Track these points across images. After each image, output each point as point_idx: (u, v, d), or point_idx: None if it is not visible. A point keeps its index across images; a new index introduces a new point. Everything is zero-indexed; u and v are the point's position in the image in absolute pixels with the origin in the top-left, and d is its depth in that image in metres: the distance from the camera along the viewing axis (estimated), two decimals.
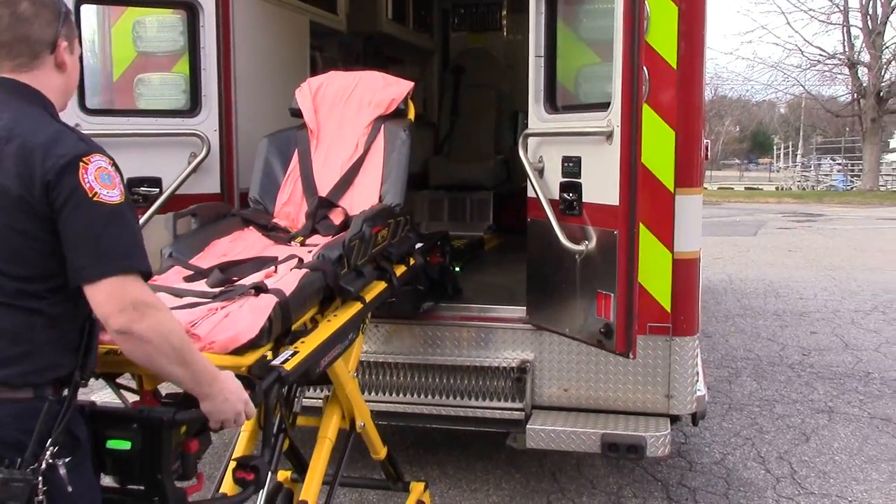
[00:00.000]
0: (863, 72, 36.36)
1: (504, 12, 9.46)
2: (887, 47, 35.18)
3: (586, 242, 4.00)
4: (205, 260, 3.58)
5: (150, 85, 4.98)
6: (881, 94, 35.53)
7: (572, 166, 4.10)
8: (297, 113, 4.62)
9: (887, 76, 35.74)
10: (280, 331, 3.02)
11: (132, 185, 4.68)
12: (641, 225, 3.99)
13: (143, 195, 4.67)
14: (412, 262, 4.29)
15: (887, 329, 9.25)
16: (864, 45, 36.14)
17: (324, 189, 4.29)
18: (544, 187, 4.24)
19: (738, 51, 69.61)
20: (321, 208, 4.13)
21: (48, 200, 2.10)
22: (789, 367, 7.69)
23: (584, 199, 4.04)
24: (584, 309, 4.07)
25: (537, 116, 4.38)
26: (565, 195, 4.13)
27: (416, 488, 4.22)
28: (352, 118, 4.50)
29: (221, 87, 4.86)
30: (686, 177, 4.26)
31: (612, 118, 3.77)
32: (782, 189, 41.71)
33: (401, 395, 4.66)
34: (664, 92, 4.15)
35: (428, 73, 9.37)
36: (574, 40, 4.42)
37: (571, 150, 4.11)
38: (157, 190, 4.68)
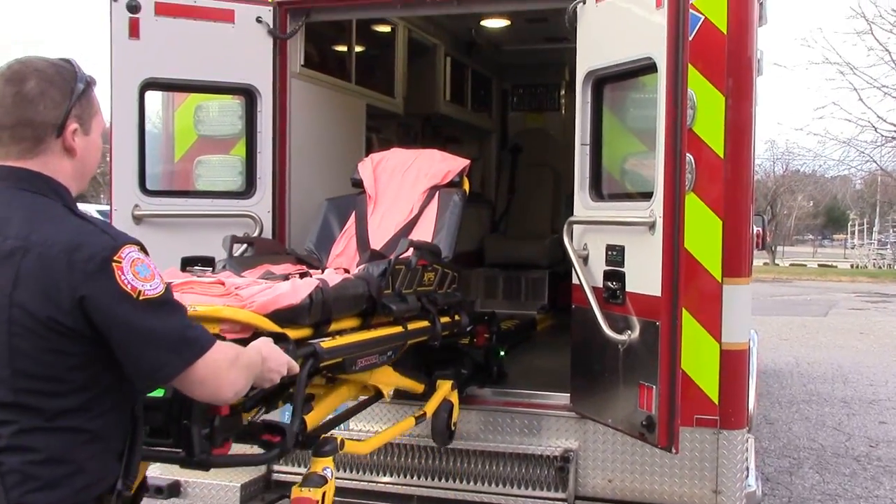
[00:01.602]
0: None
1: (562, 92, 9.55)
2: None
3: (629, 332, 3.95)
4: (254, 275, 3.77)
5: (208, 166, 5.17)
6: None
7: (616, 255, 4.08)
8: (358, 183, 4.85)
9: None
10: (320, 318, 3.12)
11: (186, 263, 4.80)
12: (688, 314, 3.94)
13: (196, 274, 4.80)
14: (457, 318, 4.36)
15: None
16: None
17: (377, 245, 4.47)
18: (588, 275, 4.22)
19: (808, 126, 68.53)
20: (373, 259, 4.22)
21: (84, 314, 1.94)
22: (855, 459, 7.37)
23: (627, 289, 4.00)
24: (626, 400, 3.99)
25: (582, 204, 4.40)
26: (609, 283, 4.10)
27: (444, 386, 4.27)
28: (409, 187, 4.71)
29: (276, 169, 5.01)
30: (734, 266, 4.19)
31: (655, 208, 3.76)
32: (857, 267, 40.56)
33: (441, 480, 4.58)
34: (711, 181, 4.12)
35: (486, 151, 9.48)
36: (620, 129, 4.45)
37: (615, 239, 4.10)
38: (211, 269, 4.79)
